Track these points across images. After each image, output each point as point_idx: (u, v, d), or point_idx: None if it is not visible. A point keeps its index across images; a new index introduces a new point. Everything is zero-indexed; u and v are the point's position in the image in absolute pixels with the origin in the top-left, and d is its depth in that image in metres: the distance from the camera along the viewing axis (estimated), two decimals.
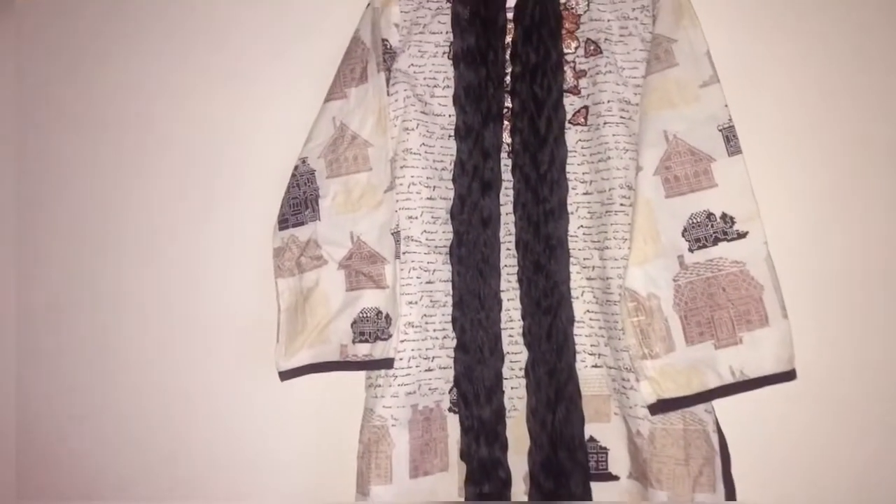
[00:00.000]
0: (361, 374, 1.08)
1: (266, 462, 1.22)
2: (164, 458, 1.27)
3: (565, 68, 1.07)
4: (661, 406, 0.95)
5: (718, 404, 0.98)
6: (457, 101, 1.08)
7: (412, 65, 1.11)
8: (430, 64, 1.11)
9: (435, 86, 1.10)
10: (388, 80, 1.10)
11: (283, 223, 1.08)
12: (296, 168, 1.09)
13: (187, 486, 1.27)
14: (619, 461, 1.03)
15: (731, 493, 0.97)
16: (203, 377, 1.25)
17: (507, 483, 1.01)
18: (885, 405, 1.11)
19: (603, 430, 1.03)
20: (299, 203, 1.09)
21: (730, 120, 0.99)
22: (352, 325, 1.05)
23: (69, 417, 1.31)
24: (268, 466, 1.22)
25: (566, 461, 0.99)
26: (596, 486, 1.00)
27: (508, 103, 1.08)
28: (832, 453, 1.10)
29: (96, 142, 1.31)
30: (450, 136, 1.09)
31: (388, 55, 1.11)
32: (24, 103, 1.33)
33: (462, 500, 1.03)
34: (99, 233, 1.31)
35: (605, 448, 1.03)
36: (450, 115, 1.09)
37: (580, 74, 1.08)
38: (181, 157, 1.28)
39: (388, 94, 1.09)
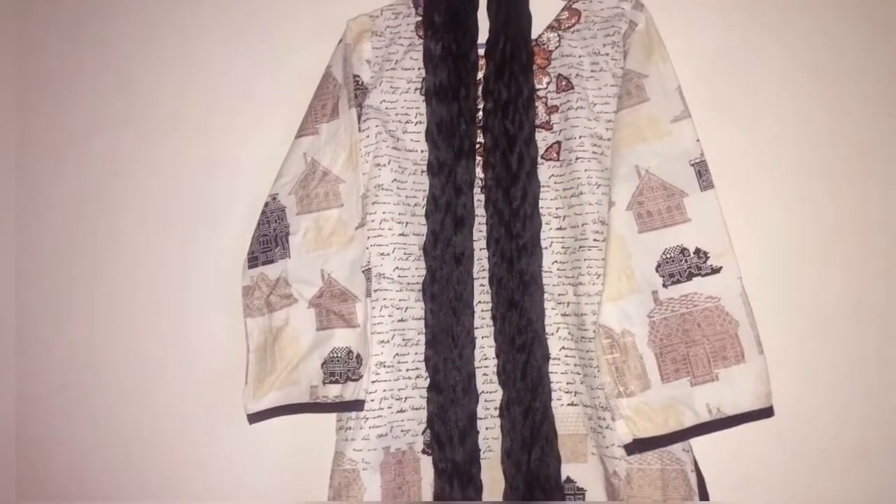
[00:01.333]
0: (332, 415, 1.05)
1: None
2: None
3: (537, 104, 1.07)
4: (638, 446, 0.94)
5: (696, 443, 0.97)
6: (429, 136, 1.07)
7: (384, 101, 1.10)
8: (403, 100, 1.11)
9: (407, 121, 1.10)
10: (359, 116, 1.09)
11: (253, 261, 1.07)
12: (266, 205, 1.09)
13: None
14: (596, 502, 1.00)
15: None
16: (177, 420, 1.25)
17: None
18: (864, 439, 1.10)
19: (580, 470, 1.01)
20: (269, 240, 1.08)
21: (701, 155, 0.99)
22: (322, 366, 1.03)
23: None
24: None
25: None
26: None
27: (481, 139, 1.07)
28: (813, 490, 1.09)
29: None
30: (422, 171, 1.08)
31: (360, 91, 1.11)
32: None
33: None
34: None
35: (582, 489, 1.01)
36: (422, 151, 1.09)
37: (552, 110, 1.08)
38: (148, 190, 1.28)
39: (359, 130, 1.09)
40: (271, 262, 1.06)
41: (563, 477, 0.99)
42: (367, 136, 1.09)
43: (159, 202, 1.28)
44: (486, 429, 1.03)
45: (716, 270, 0.96)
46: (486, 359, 1.04)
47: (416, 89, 1.10)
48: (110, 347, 1.29)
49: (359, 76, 1.11)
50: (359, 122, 1.09)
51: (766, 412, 0.93)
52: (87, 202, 1.32)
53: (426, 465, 1.03)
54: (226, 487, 1.21)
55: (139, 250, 1.29)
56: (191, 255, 1.26)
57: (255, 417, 1.03)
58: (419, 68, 1.10)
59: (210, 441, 1.21)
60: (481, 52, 1.08)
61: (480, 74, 1.08)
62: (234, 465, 1.20)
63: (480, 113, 1.08)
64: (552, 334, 1.03)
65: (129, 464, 1.28)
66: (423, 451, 1.04)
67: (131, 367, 1.28)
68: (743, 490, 1.05)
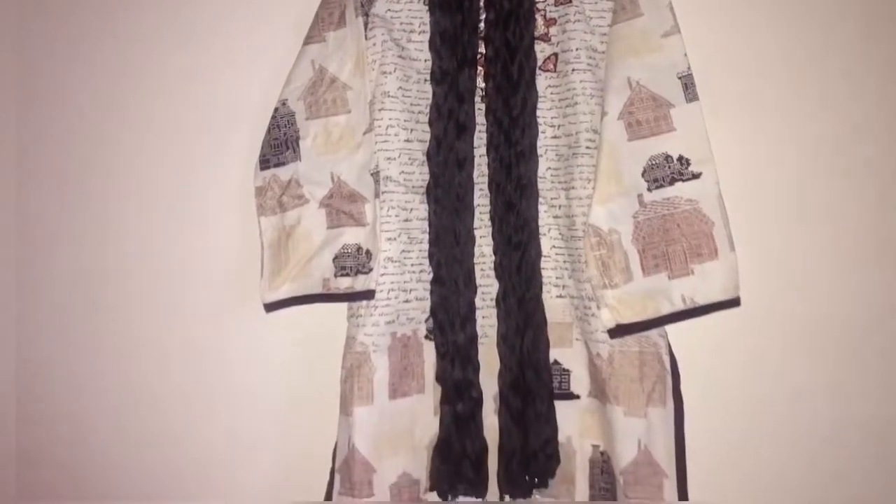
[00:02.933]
0: (342, 306, 1.14)
1: (253, 394, 1.30)
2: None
3: (536, 16, 1.12)
4: (620, 331, 1.05)
5: (671, 329, 1.08)
6: (433, 46, 1.13)
7: (389, 10, 1.14)
8: (407, 9, 1.15)
9: (411, 31, 1.15)
10: (365, 25, 1.13)
11: (265, 163, 1.12)
12: (276, 110, 1.13)
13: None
14: (580, 381, 1.13)
15: (679, 407, 1.08)
16: (193, 313, 1.30)
17: (478, 402, 1.10)
18: (821, 328, 1.22)
19: (566, 353, 1.13)
20: (280, 144, 1.13)
21: (688, 68, 1.06)
22: (333, 260, 1.10)
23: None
24: (255, 397, 1.30)
25: (533, 382, 1.08)
26: (559, 404, 1.10)
27: (482, 49, 1.13)
28: (774, 374, 1.22)
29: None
30: (426, 80, 1.14)
31: (366, 0, 1.14)
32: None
33: (437, 419, 1.12)
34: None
35: (567, 370, 1.13)
36: (426, 60, 1.14)
37: (550, 22, 1.13)
38: (161, 102, 1.30)
39: (366, 39, 1.13)
40: (283, 164, 1.11)
41: (551, 359, 1.11)
42: (374, 45, 1.13)
43: (171, 112, 1.31)
44: (483, 317, 1.13)
45: (696, 176, 1.04)
46: (483, 255, 1.14)
47: None
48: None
49: None
50: (365, 31, 1.13)
51: (734, 302, 1.03)
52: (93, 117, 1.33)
53: (428, 349, 1.14)
54: (242, 374, 1.29)
55: (149, 172, 1.32)
56: (203, 164, 1.30)
57: (271, 307, 1.10)
58: None
59: (228, 333, 1.29)
60: None
61: None
62: (250, 353, 1.29)
63: (482, 24, 1.13)
64: (545, 234, 1.13)
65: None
66: (426, 337, 1.14)
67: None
68: (711, 370, 1.18)
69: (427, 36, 1.14)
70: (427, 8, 1.14)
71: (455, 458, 1.09)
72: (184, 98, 1.30)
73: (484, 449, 1.10)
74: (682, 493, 1.06)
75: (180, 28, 1.30)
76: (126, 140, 1.32)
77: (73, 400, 1.33)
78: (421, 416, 1.14)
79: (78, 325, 1.33)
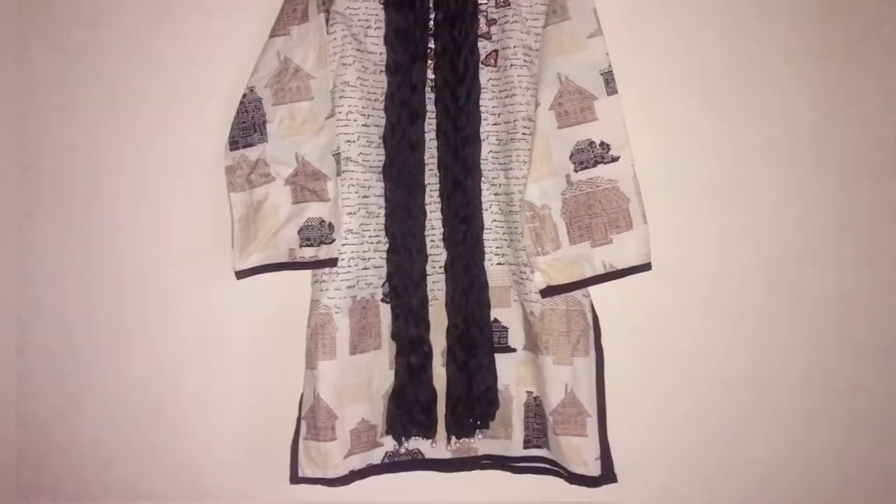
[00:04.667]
0: (305, 274, 1.25)
1: (226, 353, 1.38)
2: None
3: (479, 17, 1.25)
4: (550, 291, 1.20)
5: (594, 290, 1.24)
6: (388, 41, 1.24)
7: (348, 7, 1.25)
8: (364, 7, 1.25)
9: (368, 27, 1.25)
10: (327, 21, 1.23)
11: (234, 144, 1.21)
12: (244, 96, 1.21)
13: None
14: (516, 337, 1.28)
15: (600, 356, 1.25)
16: (172, 283, 1.37)
17: (429, 356, 1.24)
18: (721, 285, 1.38)
19: (504, 313, 1.28)
20: (248, 127, 1.21)
21: (609, 66, 1.20)
22: (298, 232, 1.20)
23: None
24: (228, 356, 1.38)
25: (476, 337, 1.22)
26: (499, 357, 1.26)
27: (432, 45, 1.25)
28: (682, 328, 1.37)
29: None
30: (381, 71, 1.25)
31: None
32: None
33: (392, 372, 1.25)
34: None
35: (505, 327, 1.28)
36: (381, 53, 1.25)
37: (491, 22, 1.26)
38: (139, 89, 1.37)
39: (327, 34, 1.23)
40: (251, 145, 1.20)
41: (492, 318, 1.26)
42: (335, 39, 1.23)
43: (148, 98, 1.36)
44: (433, 282, 1.27)
45: (615, 159, 1.18)
46: (433, 228, 1.27)
47: None
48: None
49: None
50: (326, 26, 1.23)
51: (646, 267, 1.19)
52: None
53: (384, 311, 1.27)
54: (216, 337, 1.37)
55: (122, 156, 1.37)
56: (176, 148, 1.37)
57: (241, 274, 1.20)
58: None
59: (201, 298, 1.37)
60: None
61: None
62: (224, 316, 1.37)
63: (432, 22, 1.25)
64: (487, 209, 1.26)
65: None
66: (383, 300, 1.27)
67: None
68: (628, 327, 1.33)
69: (382, 31, 1.25)
70: (382, 6, 1.25)
71: (408, 404, 1.23)
72: (158, 86, 1.37)
73: (433, 396, 1.25)
74: (602, 428, 1.23)
75: (158, 20, 1.37)
76: (107, 123, 1.37)
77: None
78: (378, 369, 1.27)
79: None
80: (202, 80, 1.37)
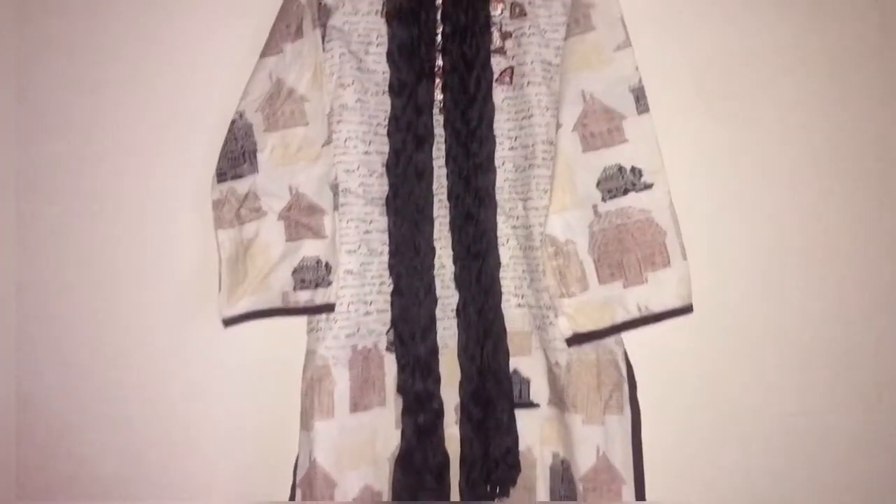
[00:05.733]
0: (301, 320, 1.14)
1: (212, 409, 1.29)
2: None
3: (492, 30, 1.14)
4: (577, 339, 1.07)
5: (627, 336, 1.11)
6: (390, 58, 1.14)
7: (346, 22, 1.15)
8: (364, 21, 1.16)
9: (369, 43, 1.16)
10: (323, 37, 1.14)
11: (222, 176, 1.12)
12: (233, 122, 1.13)
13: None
14: (539, 390, 1.15)
15: (636, 413, 1.11)
16: (154, 326, 1.29)
17: (440, 413, 1.11)
18: (771, 334, 1.27)
19: (525, 362, 1.15)
20: (237, 156, 1.12)
21: (640, 81, 1.09)
22: (293, 274, 1.10)
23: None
24: (215, 412, 1.29)
25: (493, 391, 1.10)
26: (519, 413, 1.12)
27: (440, 62, 1.14)
28: (728, 379, 1.26)
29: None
30: (384, 92, 1.15)
31: (323, 12, 1.15)
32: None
33: (399, 431, 1.12)
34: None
35: (527, 379, 1.15)
36: (383, 72, 1.15)
37: (506, 36, 1.15)
38: (118, 114, 1.29)
39: (323, 51, 1.14)
40: (240, 176, 1.11)
41: (511, 369, 1.13)
42: (331, 57, 1.14)
43: (128, 123, 1.29)
44: (443, 328, 1.15)
45: (648, 186, 1.07)
46: (443, 266, 1.15)
47: (377, 12, 1.16)
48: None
49: None
50: (322, 43, 1.14)
51: (687, 309, 1.06)
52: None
53: (389, 362, 1.14)
54: (201, 390, 1.28)
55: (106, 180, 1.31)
56: (161, 176, 1.29)
57: (230, 322, 1.10)
58: None
59: (186, 344, 1.28)
60: None
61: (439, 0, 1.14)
62: (209, 368, 1.28)
63: (439, 36, 1.14)
64: (503, 244, 1.14)
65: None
66: (387, 349, 1.15)
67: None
68: (666, 377, 1.21)
69: (385, 48, 1.15)
70: (384, 20, 1.15)
71: (417, 469, 1.10)
72: (140, 110, 1.29)
73: (446, 460, 1.12)
74: (640, 498, 1.09)
75: (138, 41, 1.30)
76: (85, 153, 1.31)
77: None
78: (382, 428, 1.14)
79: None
80: (187, 105, 1.28)
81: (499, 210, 1.14)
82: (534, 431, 1.14)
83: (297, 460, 1.13)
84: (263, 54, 1.14)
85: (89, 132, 1.30)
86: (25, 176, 1.32)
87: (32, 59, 1.31)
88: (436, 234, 1.14)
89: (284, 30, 1.13)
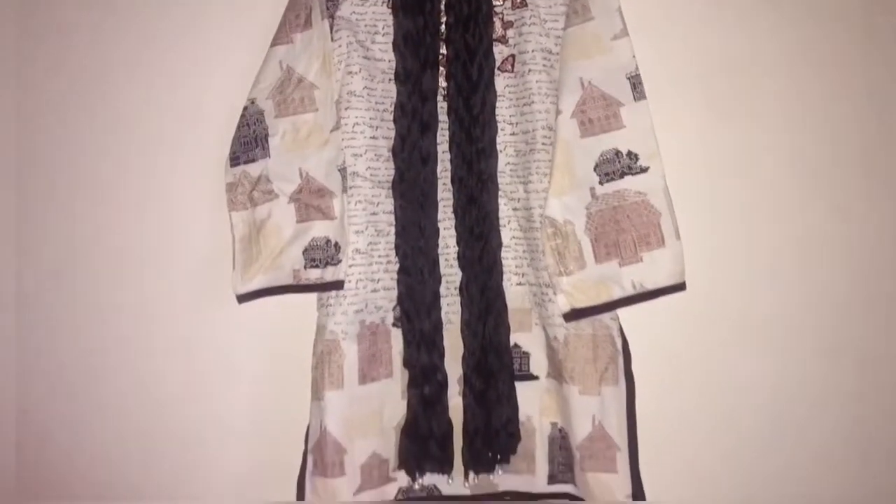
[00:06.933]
0: (312, 296, 1.18)
1: (227, 381, 1.32)
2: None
3: (494, 19, 1.18)
4: (575, 315, 1.12)
5: (622, 312, 1.15)
6: (396, 47, 1.18)
7: (354, 12, 1.19)
8: (371, 12, 1.19)
9: (375, 32, 1.19)
10: (331, 27, 1.17)
11: (235, 160, 1.15)
12: (245, 108, 1.16)
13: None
14: (538, 363, 1.19)
15: (630, 385, 1.16)
16: (170, 305, 1.33)
17: (444, 385, 1.16)
18: (765, 317, 1.31)
19: (525, 337, 1.19)
20: (249, 141, 1.16)
21: (636, 69, 1.13)
22: (303, 253, 1.14)
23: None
24: (229, 385, 1.32)
25: (494, 364, 1.14)
26: (519, 385, 1.17)
27: (444, 50, 1.18)
28: (719, 353, 1.30)
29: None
30: (390, 79, 1.19)
31: (331, 3, 1.18)
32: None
33: (405, 402, 1.17)
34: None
35: (527, 353, 1.20)
36: (389, 61, 1.19)
37: (507, 25, 1.19)
38: (133, 103, 1.33)
39: (331, 41, 1.17)
40: (252, 161, 1.14)
41: (512, 343, 1.18)
42: (339, 46, 1.18)
43: (143, 111, 1.33)
44: (447, 305, 1.19)
45: (644, 170, 1.11)
46: (447, 247, 1.19)
47: (383, 2, 1.20)
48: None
49: None
50: (331, 33, 1.17)
51: (680, 287, 1.10)
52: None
53: (396, 336, 1.19)
54: (216, 363, 1.32)
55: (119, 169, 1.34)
56: (175, 161, 1.32)
57: (243, 298, 1.14)
58: None
59: (200, 321, 1.32)
60: None
61: None
62: (222, 344, 1.32)
63: (443, 26, 1.18)
64: (504, 225, 1.19)
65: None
66: (394, 325, 1.19)
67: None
68: (660, 351, 1.25)
69: (391, 37, 1.18)
70: (390, 11, 1.19)
71: (422, 437, 1.15)
72: (155, 98, 1.32)
73: (449, 429, 1.16)
74: (634, 464, 1.14)
75: (153, 32, 1.33)
76: (100, 140, 1.34)
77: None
78: (389, 399, 1.19)
79: (76, 324, 1.34)
80: (201, 92, 1.32)
81: (500, 193, 1.18)
82: (533, 402, 1.18)
83: (308, 429, 1.18)
84: (274, 43, 1.17)
85: (100, 118, 1.33)
86: (27, 157, 1.34)
87: (34, 42, 1.33)
88: (440, 216, 1.18)
89: (294, 20, 1.16)
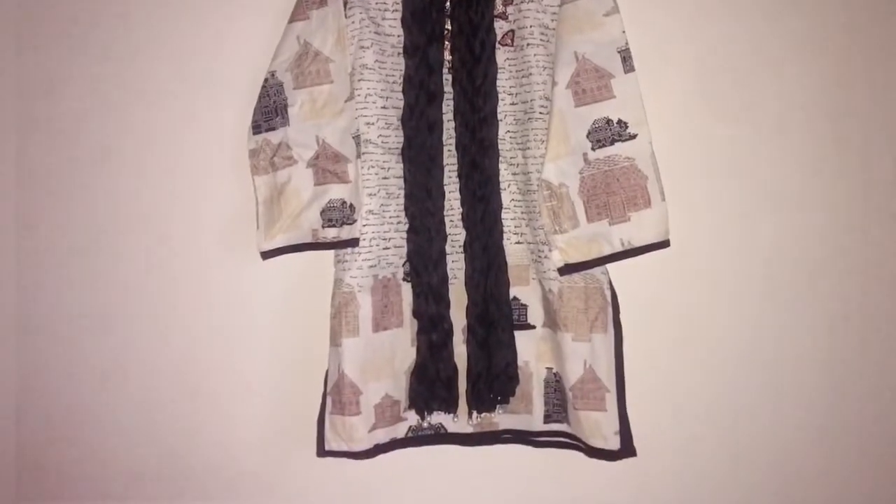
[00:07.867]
0: (329, 253, 1.28)
1: (253, 331, 1.41)
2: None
3: None
4: (568, 269, 1.21)
5: (612, 267, 1.25)
6: (404, 23, 1.25)
7: None
8: None
9: (385, 10, 1.27)
10: (345, 4, 1.25)
11: (257, 128, 1.24)
12: (265, 80, 1.24)
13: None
14: (535, 314, 1.30)
15: (618, 333, 1.26)
16: (195, 256, 1.41)
17: (450, 333, 1.27)
18: (738, 270, 1.40)
19: (523, 291, 1.30)
20: (270, 111, 1.24)
21: (626, 44, 1.20)
22: (321, 213, 1.23)
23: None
24: (255, 334, 1.41)
25: (495, 314, 1.25)
26: (518, 334, 1.28)
27: (448, 26, 1.26)
28: (699, 303, 1.39)
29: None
30: (399, 53, 1.27)
31: None
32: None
33: (414, 349, 1.28)
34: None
35: (525, 304, 1.30)
36: (398, 36, 1.27)
37: (507, 2, 1.27)
38: (165, 76, 1.40)
39: (345, 17, 1.25)
40: (273, 129, 1.23)
41: (511, 296, 1.28)
42: (353, 22, 1.25)
43: (168, 86, 1.40)
44: (452, 262, 1.29)
45: (632, 137, 1.19)
46: (452, 208, 1.29)
47: None
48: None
49: None
50: (344, 10, 1.25)
51: (665, 244, 1.20)
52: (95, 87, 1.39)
53: (406, 289, 1.29)
54: (243, 315, 1.41)
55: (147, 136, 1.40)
56: (201, 131, 1.40)
57: (266, 255, 1.23)
58: None
59: (227, 279, 1.41)
60: None
61: None
62: (247, 298, 1.41)
63: (448, 3, 1.26)
64: (505, 188, 1.28)
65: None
66: (404, 279, 1.30)
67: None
68: (644, 302, 1.34)
69: (399, 14, 1.26)
70: None
71: (430, 380, 1.26)
72: (182, 72, 1.40)
73: (454, 372, 1.27)
74: (622, 404, 1.25)
75: (183, 9, 1.41)
76: (136, 110, 1.41)
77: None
78: (400, 346, 1.30)
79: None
80: (223, 65, 1.39)
81: (501, 158, 1.27)
82: (530, 349, 1.29)
83: (326, 373, 1.29)
84: (291, 20, 1.24)
85: (134, 90, 1.41)
86: (33, 126, 1.38)
87: (38, 21, 1.37)
88: (445, 180, 1.27)
89: None
